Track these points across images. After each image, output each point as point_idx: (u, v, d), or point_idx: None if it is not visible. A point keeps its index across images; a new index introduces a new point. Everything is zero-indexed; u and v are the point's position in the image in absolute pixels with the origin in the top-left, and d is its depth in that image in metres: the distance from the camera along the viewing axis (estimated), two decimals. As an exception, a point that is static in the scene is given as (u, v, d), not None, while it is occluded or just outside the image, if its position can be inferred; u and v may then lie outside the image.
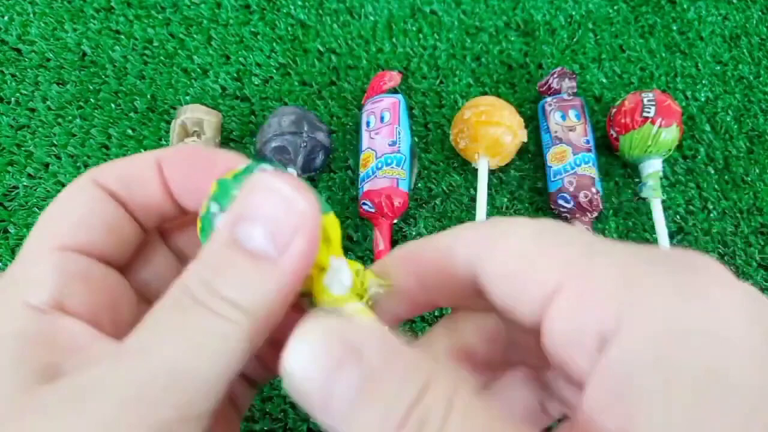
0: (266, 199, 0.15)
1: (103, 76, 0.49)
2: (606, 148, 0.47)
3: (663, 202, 0.44)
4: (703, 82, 0.51)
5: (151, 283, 0.19)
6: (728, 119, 0.49)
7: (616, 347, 0.12)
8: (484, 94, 0.49)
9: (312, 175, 0.44)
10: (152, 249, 0.20)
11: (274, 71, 0.50)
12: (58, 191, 0.43)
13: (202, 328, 0.14)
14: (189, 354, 0.14)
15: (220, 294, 0.14)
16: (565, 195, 0.42)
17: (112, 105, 0.47)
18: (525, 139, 0.44)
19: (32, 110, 0.47)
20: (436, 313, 0.40)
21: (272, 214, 0.15)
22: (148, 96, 0.48)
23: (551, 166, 0.44)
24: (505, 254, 0.15)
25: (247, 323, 0.14)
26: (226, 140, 0.46)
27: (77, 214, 0.17)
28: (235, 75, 0.49)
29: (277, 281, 0.14)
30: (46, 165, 0.45)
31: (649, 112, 0.42)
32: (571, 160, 0.43)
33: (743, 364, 0.11)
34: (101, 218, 0.17)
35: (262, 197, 0.15)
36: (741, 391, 0.11)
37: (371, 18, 0.52)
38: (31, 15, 0.51)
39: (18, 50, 0.49)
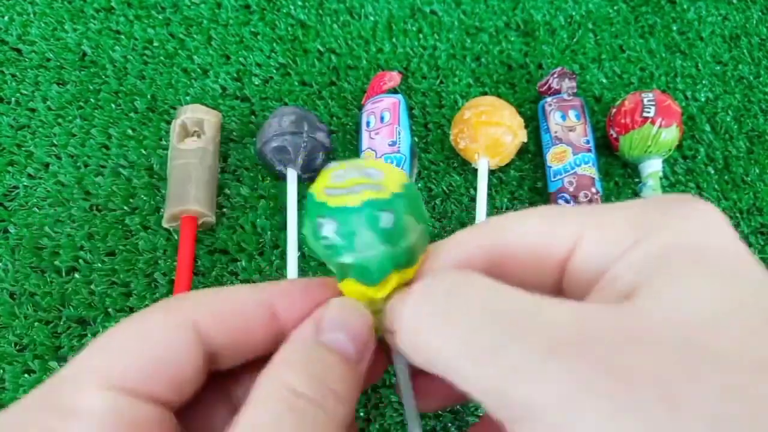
0: (350, 315, 0.17)
1: (103, 76, 0.49)
2: (606, 148, 0.47)
3: (663, 202, 0.44)
4: (703, 82, 0.51)
5: (202, 428, 0.18)
6: (728, 119, 0.49)
7: (631, 254, 0.14)
8: (484, 94, 0.49)
9: (312, 176, 0.44)
10: (212, 394, 0.19)
11: (274, 71, 0.50)
12: (58, 191, 0.43)
13: (310, 425, 0.15)
14: None
15: (329, 387, 0.16)
16: (565, 195, 0.42)
17: (112, 105, 0.47)
18: (525, 140, 0.44)
19: (32, 110, 0.47)
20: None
21: (354, 328, 0.17)
22: (148, 96, 0.48)
23: (551, 166, 0.44)
24: (523, 228, 0.17)
25: (344, 414, 0.16)
26: (226, 140, 0.46)
27: (150, 357, 0.16)
28: (235, 75, 0.49)
29: (359, 379, 0.17)
30: (46, 165, 0.45)
31: (649, 112, 0.42)
32: (571, 161, 0.43)
33: (728, 248, 0.14)
34: (176, 371, 0.16)
35: (350, 313, 0.18)
36: (726, 266, 0.14)
37: (371, 18, 0.52)
38: (31, 15, 0.51)
39: (18, 50, 0.49)
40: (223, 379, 0.19)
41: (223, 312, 0.17)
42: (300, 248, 0.42)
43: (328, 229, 0.17)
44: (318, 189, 0.17)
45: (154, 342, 0.16)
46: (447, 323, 0.15)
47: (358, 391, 0.17)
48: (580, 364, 0.12)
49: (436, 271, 0.17)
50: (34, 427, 0.14)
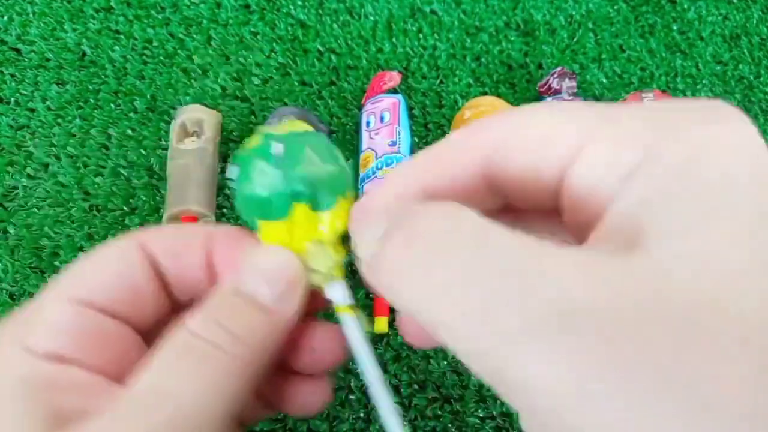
0: (270, 258, 0.18)
1: (102, 76, 0.49)
2: (606, 148, 0.47)
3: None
4: (703, 82, 0.51)
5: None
6: (728, 119, 0.49)
7: (638, 177, 0.12)
8: (484, 94, 0.49)
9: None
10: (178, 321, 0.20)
11: (274, 71, 0.50)
12: (58, 192, 0.43)
13: (207, 364, 0.15)
14: (197, 390, 0.15)
15: (227, 329, 0.16)
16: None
17: (112, 105, 0.47)
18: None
19: (32, 110, 0.47)
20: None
21: (274, 272, 0.18)
22: (148, 96, 0.48)
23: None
24: (525, 130, 0.15)
25: (249, 356, 0.16)
26: (226, 140, 0.46)
27: (108, 273, 0.17)
28: (235, 75, 0.49)
29: (275, 324, 0.17)
30: (46, 165, 0.45)
31: (649, 112, 0.42)
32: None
33: (757, 176, 0.12)
34: (131, 284, 0.18)
35: (266, 256, 0.18)
36: (746, 196, 0.11)
37: (371, 18, 0.52)
38: (31, 15, 0.51)
39: (18, 50, 0.49)
40: None
41: (165, 236, 0.19)
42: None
43: (279, 147, 0.18)
44: (254, 138, 0.19)
45: (109, 261, 0.18)
46: (432, 275, 0.13)
47: (275, 336, 0.17)
48: (593, 340, 0.10)
49: (426, 204, 0.14)
50: (5, 336, 0.16)
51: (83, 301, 0.17)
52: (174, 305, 0.19)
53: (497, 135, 0.15)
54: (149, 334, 0.19)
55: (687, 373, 0.10)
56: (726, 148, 0.12)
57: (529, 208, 0.16)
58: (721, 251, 0.11)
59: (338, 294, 0.19)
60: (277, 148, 0.18)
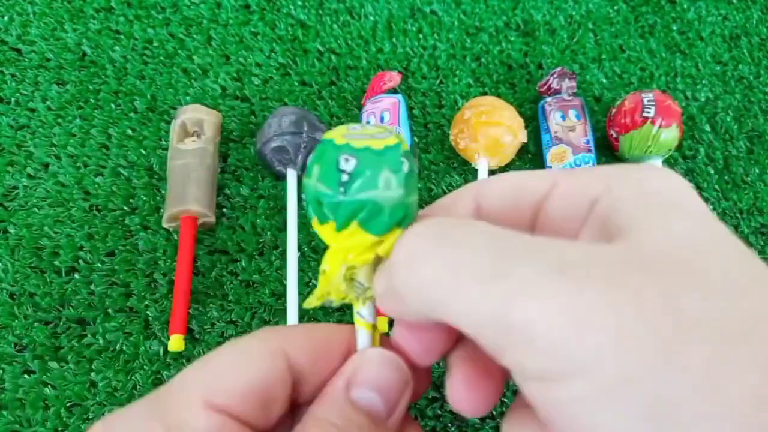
0: (384, 370, 0.18)
1: (103, 76, 0.49)
2: (606, 148, 0.47)
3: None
4: (703, 82, 0.51)
5: None
6: (728, 119, 0.49)
7: (606, 198, 0.16)
8: (484, 94, 0.49)
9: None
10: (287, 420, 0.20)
11: (274, 71, 0.50)
12: (58, 191, 0.43)
13: None
14: None
15: None
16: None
17: (112, 105, 0.47)
18: (525, 140, 0.44)
19: (32, 110, 0.47)
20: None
21: (386, 383, 0.18)
22: (148, 96, 0.48)
23: (551, 167, 0.44)
24: (500, 183, 0.18)
25: None
26: (226, 140, 0.46)
27: (251, 381, 0.17)
28: (235, 75, 0.49)
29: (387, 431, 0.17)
30: (46, 165, 0.45)
31: (649, 112, 0.42)
32: (571, 161, 0.43)
33: (694, 200, 0.15)
34: (271, 394, 0.17)
35: (378, 366, 0.18)
36: (689, 205, 0.15)
37: (371, 18, 0.52)
38: (31, 15, 0.51)
39: (18, 50, 0.49)
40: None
41: (311, 343, 0.18)
42: (300, 248, 0.41)
43: (350, 164, 0.17)
44: (336, 135, 0.17)
45: (254, 367, 0.17)
46: (446, 248, 0.15)
47: None
48: (588, 284, 0.12)
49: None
50: None
51: (220, 408, 0.16)
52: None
53: (474, 193, 0.18)
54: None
55: (666, 303, 0.12)
56: (663, 178, 0.16)
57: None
58: (684, 232, 0.14)
59: (367, 312, 0.19)
60: (407, 166, 0.17)
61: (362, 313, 0.19)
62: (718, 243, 0.14)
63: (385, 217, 0.17)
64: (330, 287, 0.18)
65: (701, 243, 0.14)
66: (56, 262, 0.41)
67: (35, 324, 0.39)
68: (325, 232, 0.17)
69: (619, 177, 0.16)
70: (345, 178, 0.16)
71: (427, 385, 0.20)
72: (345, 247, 0.17)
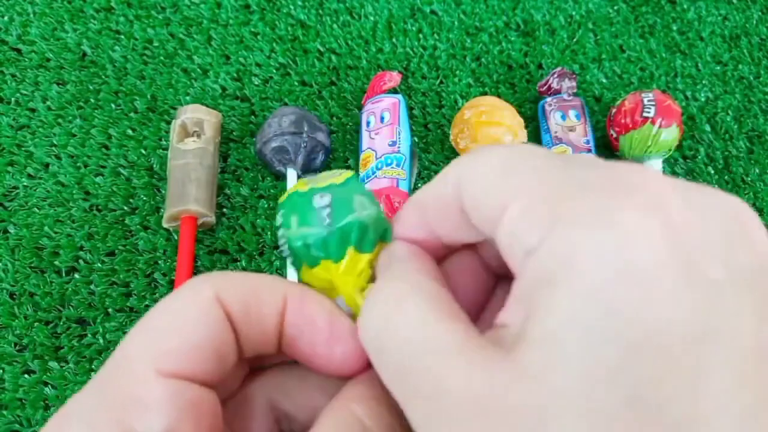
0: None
1: (103, 76, 0.49)
2: (606, 148, 0.47)
3: (663, 202, 0.44)
4: (703, 82, 0.51)
5: (228, 405, 0.19)
6: (728, 119, 0.49)
7: (532, 262, 0.14)
8: (484, 94, 0.49)
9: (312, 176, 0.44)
10: (238, 375, 0.19)
11: (274, 71, 0.50)
12: (58, 191, 0.43)
13: None
14: None
15: (393, 426, 0.16)
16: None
17: (112, 105, 0.47)
18: (525, 140, 0.44)
19: (32, 110, 0.47)
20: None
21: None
22: (148, 96, 0.48)
23: (551, 166, 0.44)
24: (474, 183, 0.16)
25: None
26: (226, 140, 0.46)
27: (197, 338, 0.16)
28: (235, 75, 0.49)
29: None
30: (46, 165, 0.45)
31: (649, 112, 0.42)
32: (571, 160, 0.43)
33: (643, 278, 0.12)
34: (216, 345, 0.16)
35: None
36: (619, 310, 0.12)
37: (371, 18, 0.52)
38: (31, 15, 0.51)
39: (18, 50, 0.49)
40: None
41: (242, 287, 0.17)
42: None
43: (325, 199, 0.18)
44: (297, 188, 0.19)
45: (194, 322, 0.16)
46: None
47: None
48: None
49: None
50: (104, 424, 0.15)
51: (173, 373, 0.15)
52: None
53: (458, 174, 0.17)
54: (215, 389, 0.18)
55: None
56: (616, 243, 0.13)
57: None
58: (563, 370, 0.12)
59: None
60: (366, 187, 0.18)
61: None
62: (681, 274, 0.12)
63: (371, 234, 0.18)
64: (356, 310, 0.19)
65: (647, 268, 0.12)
66: (56, 262, 0.41)
67: (35, 324, 0.39)
68: (320, 272, 0.18)
69: (554, 232, 0.14)
70: (326, 211, 0.18)
71: None
72: (351, 274, 0.19)
